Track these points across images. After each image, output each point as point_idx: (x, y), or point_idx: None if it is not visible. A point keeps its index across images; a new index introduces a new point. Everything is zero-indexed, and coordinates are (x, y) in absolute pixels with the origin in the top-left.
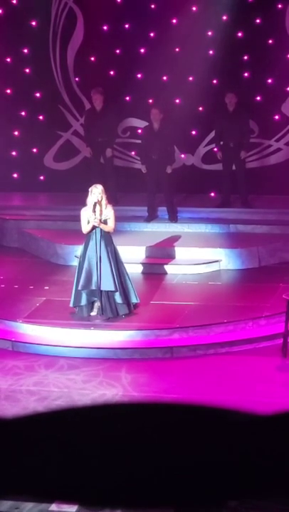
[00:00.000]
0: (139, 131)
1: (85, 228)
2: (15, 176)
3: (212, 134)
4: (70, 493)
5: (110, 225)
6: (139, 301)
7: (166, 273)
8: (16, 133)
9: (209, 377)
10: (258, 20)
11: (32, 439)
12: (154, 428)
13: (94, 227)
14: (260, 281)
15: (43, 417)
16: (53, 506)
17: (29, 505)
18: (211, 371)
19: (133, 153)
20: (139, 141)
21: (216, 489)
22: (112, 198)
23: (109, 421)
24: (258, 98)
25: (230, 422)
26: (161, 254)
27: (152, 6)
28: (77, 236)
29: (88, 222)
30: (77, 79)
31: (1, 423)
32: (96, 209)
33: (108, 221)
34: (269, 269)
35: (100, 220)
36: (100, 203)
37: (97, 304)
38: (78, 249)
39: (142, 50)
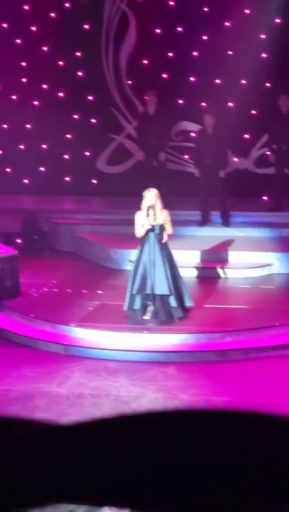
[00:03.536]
0: (193, 134)
1: (139, 232)
2: (67, 179)
3: (265, 138)
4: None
5: (168, 230)
6: (193, 305)
7: (218, 277)
8: (69, 136)
9: (262, 381)
10: None
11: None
12: (204, 431)
13: (148, 231)
14: None
15: (101, 422)
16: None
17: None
18: (264, 374)
19: (186, 156)
20: (192, 145)
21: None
22: (165, 202)
23: (157, 425)
24: None
25: (283, 426)
26: (213, 258)
27: (205, 9)
28: (131, 240)
29: (142, 226)
30: (129, 82)
31: (57, 429)
32: (150, 213)
33: (166, 226)
34: None
35: (153, 226)
36: (153, 207)
37: (150, 308)
38: (132, 254)
39: (195, 53)
